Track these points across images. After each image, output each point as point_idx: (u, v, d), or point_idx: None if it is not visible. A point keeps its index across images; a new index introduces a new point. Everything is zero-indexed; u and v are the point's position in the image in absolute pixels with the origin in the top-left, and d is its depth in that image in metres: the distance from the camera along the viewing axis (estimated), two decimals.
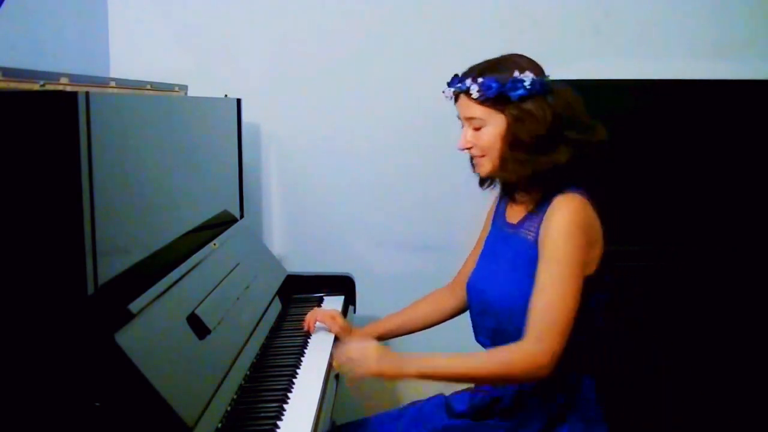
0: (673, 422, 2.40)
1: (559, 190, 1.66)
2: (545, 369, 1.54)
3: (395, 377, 1.60)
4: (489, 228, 1.91)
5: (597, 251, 1.65)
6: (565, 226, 1.59)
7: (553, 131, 1.64)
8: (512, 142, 1.65)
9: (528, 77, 1.64)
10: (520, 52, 1.73)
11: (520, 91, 1.63)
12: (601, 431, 1.74)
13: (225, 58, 2.62)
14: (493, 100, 1.65)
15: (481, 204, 1.98)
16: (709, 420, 2.40)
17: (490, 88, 1.64)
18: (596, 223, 1.66)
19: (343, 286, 2.39)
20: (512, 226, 1.77)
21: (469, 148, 1.72)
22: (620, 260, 2.34)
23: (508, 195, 1.81)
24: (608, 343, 2.30)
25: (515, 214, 1.79)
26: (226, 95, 2.33)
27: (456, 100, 1.73)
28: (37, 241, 1.19)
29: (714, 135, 2.40)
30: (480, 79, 1.65)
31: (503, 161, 1.68)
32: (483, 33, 2.59)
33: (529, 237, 1.69)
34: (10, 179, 1.18)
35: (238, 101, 2.39)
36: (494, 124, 1.67)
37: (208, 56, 2.61)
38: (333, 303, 2.30)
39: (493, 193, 1.89)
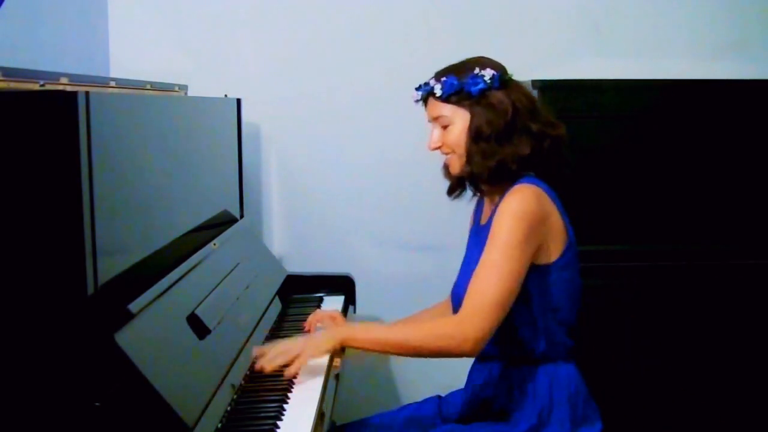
0: (670, 420, 2.39)
1: (516, 182, 1.70)
2: (473, 345, 1.57)
3: (325, 349, 1.65)
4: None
5: (557, 242, 1.69)
6: (510, 212, 1.64)
7: (514, 122, 1.71)
8: (475, 134, 1.71)
9: (488, 72, 1.71)
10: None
11: (480, 86, 1.71)
12: (595, 429, 1.74)
13: (225, 58, 2.62)
14: (456, 96, 1.72)
15: None
16: (707, 418, 2.40)
17: (451, 85, 1.72)
18: (551, 214, 1.69)
19: (343, 286, 2.39)
20: (482, 227, 1.80)
21: (439, 147, 1.78)
22: (619, 260, 2.36)
23: (477, 194, 1.86)
24: (606, 341, 2.32)
25: (485, 215, 1.82)
26: (226, 95, 2.33)
27: (425, 103, 1.80)
28: (37, 241, 1.19)
29: (714, 135, 2.40)
30: (443, 79, 1.74)
31: (469, 155, 1.73)
32: (483, 33, 2.59)
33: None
34: (10, 179, 1.18)
35: (238, 101, 2.39)
36: (460, 121, 1.74)
37: (208, 56, 2.61)
38: (333, 303, 2.30)
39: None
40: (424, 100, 1.79)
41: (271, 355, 1.63)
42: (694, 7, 2.60)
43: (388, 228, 2.69)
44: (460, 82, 1.71)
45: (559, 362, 1.73)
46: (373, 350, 1.66)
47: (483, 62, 1.75)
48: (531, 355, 1.72)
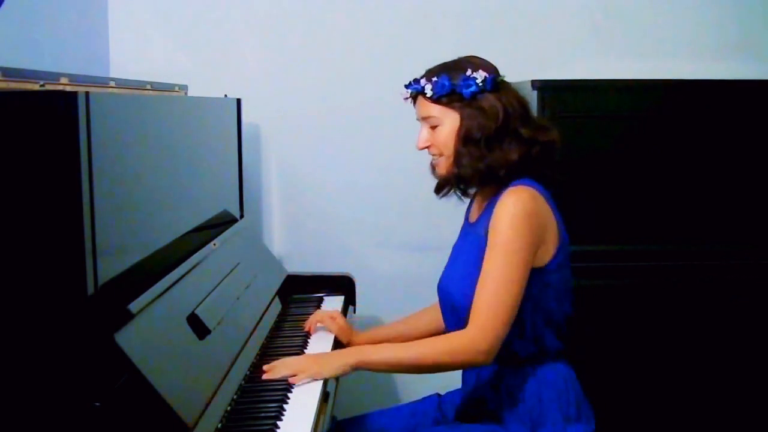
0: (669, 421, 2.39)
1: (510, 184, 1.68)
2: (486, 356, 1.60)
3: (339, 371, 1.65)
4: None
5: (551, 243, 1.67)
6: (510, 216, 1.62)
7: (505, 127, 1.68)
8: (465, 137, 1.69)
9: (480, 75, 1.69)
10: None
11: (472, 88, 1.68)
12: (589, 428, 1.74)
13: (225, 58, 2.62)
14: (447, 98, 1.70)
15: None
16: (705, 419, 2.39)
17: (443, 86, 1.69)
18: (547, 216, 1.67)
19: (342, 286, 2.39)
20: (471, 224, 1.80)
21: (427, 147, 1.75)
22: (618, 260, 2.36)
23: (465, 195, 1.83)
24: (603, 341, 2.32)
25: (474, 213, 1.82)
26: (226, 95, 2.33)
27: (414, 101, 1.77)
28: (38, 241, 1.19)
29: (714, 135, 2.40)
30: (434, 79, 1.71)
31: (457, 157, 1.70)
32: (482, 33, 2.59)
33: (481, 232, 1.70)
34: (10, 179, 1.18)
35: (238, 101, 2.39)
36: (449, 123, 1.71)
37: (208, 56, 2.61)
38: (333, 303, 2.30)
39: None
40: (414, 98, 1.77)
41: (276, 371, 1.66)
42: (694, 7, 2.60)
43: (388, 228, 2.69)
44: (452, 84, 1.69)
45: (547, 363, 1.72)
46: (387, 371, 1.67)
47: (476, 63, 1.72)
48: (517, 358, 1.71)
